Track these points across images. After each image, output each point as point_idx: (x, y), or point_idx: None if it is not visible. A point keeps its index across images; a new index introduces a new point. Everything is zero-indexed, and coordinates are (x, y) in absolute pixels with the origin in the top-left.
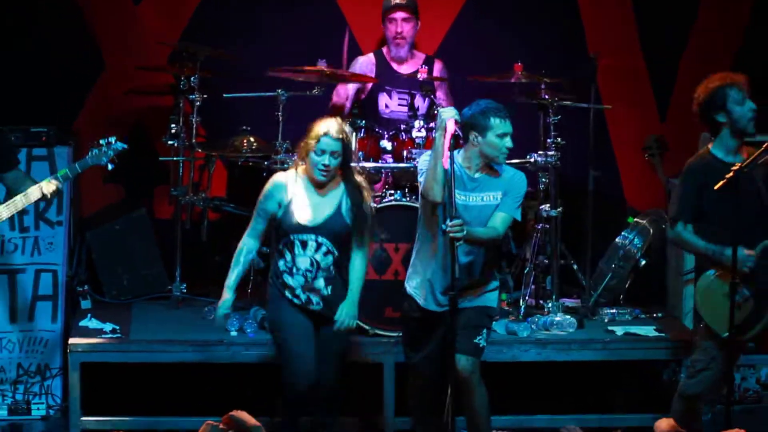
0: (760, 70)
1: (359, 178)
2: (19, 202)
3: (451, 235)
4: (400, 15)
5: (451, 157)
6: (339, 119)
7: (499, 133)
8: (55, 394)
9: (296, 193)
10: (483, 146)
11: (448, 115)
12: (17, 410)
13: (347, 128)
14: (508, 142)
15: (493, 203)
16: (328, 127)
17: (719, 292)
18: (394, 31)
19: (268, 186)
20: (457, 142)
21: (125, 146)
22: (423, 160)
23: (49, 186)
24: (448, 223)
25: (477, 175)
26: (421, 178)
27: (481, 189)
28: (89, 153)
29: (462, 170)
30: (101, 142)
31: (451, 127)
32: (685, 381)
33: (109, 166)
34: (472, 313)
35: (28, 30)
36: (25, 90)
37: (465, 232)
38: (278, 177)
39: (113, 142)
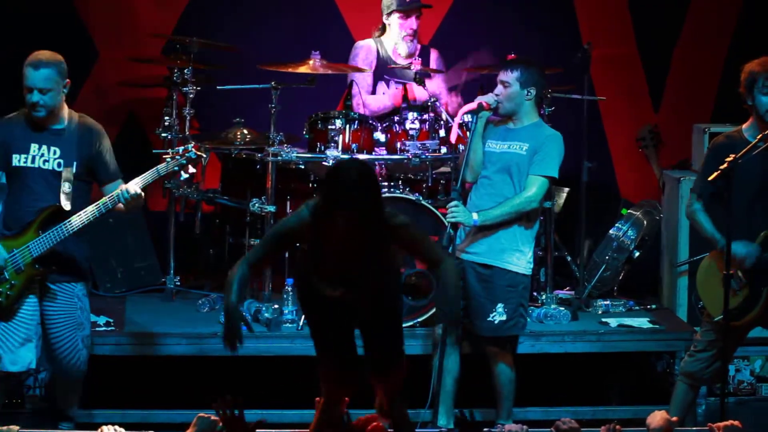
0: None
1: None
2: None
3: (448, 220)
4: (415, 14)
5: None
6: None
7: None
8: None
9: None
10: None
11: (482, 97)
12: (11, 403)
13: None
14: (497, 89)
15: (515, 152)
16: None
17: (717, 276)
18: (409, 28)
19: None
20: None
21: (201, 155)
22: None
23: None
24: (448, 206)
25: (514, 127)
26: None
27: (510, 138)
28: (165, 162)
29: (504, 124)
30: (178, 150)
31: (470, 106)
32: (686, 358)
33: (183, 176)
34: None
35: (20, 20)
36: (17, 81)
37: (465, 219)
38: None
39: (189, 150)
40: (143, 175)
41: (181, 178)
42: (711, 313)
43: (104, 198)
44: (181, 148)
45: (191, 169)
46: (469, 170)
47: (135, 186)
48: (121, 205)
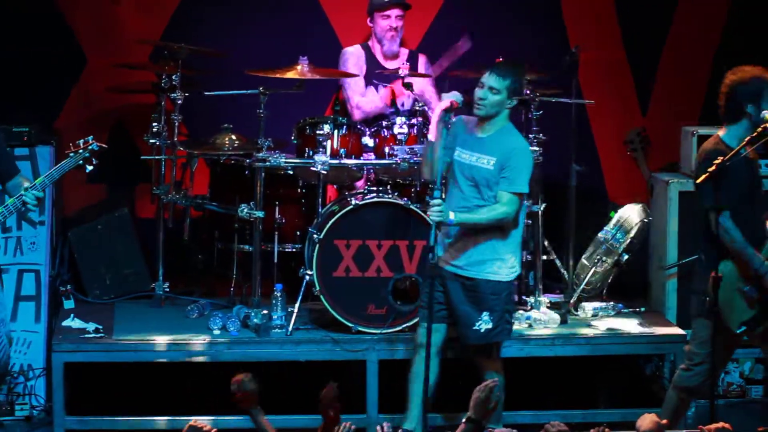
0: (741, 61)
1: None
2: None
3: (430, 218)
4: (395, 12)
5: (443, 125)
6: None
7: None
8: (39, 394)
9: None
10: None
11: (449, 95)
12: (0, 411)
13: None
14: (478, 92)
15: (483, 167)
16: None
17: (733, 287)
18: (389, 26)
19: None
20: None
21: (103, 146)
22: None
23: (28, 196)
24: (430, 202)
25: (483, 136)
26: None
27: (479, 149)
28: (67, 157)
29: (474, 131)
30: (79, 143)
31: (444, 104)
32: (681, 373)
33: (87, 168)
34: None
35: (7, 27)
36: (6, 88)
37: (443, 216)
38: None
39: (91, 142)
40: (48, 172)
41: (87, 171)
42: (730, 326)
43: (7, 201)
44: (81, 141)
45: (95, 161)
46: (426, 167)
47: (35, 190)
48: (28, 206)
